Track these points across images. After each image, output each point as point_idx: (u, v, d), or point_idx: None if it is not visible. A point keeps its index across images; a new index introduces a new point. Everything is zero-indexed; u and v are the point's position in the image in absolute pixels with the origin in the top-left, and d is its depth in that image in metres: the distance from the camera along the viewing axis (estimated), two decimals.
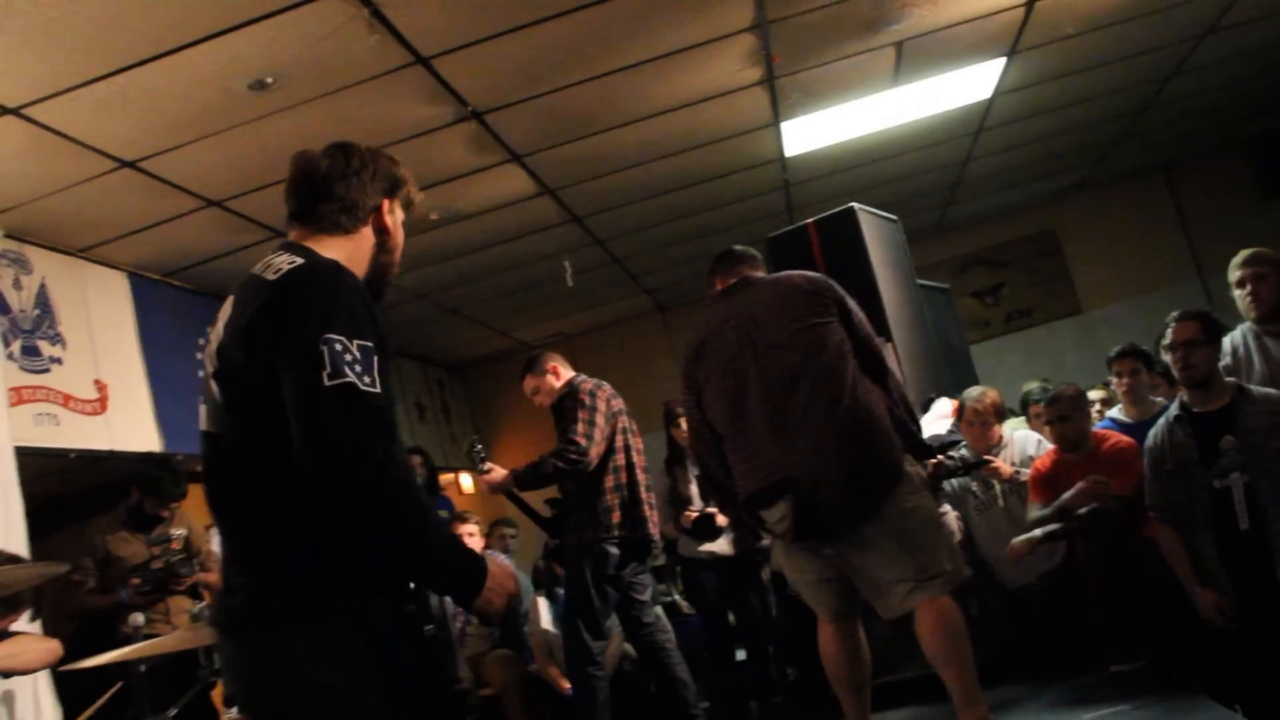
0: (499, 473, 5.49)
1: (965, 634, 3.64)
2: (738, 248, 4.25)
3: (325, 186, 2.33)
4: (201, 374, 2.27)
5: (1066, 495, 4.92)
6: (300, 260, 2.19)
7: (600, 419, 5.32)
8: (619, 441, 5.42)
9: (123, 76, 4.53)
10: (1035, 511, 5.06)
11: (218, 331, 2.21)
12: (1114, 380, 5.62)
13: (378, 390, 2.05)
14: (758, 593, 6.59)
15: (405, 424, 10.07)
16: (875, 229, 5.92)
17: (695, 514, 6.28)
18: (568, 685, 6.29)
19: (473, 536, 6.73)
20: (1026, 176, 9.72)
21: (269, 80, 4.82)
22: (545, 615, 6.53)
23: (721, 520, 6.31)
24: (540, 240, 8.03)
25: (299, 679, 2.02)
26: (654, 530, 5.50)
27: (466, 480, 11.30)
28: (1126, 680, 4.57)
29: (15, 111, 4.58)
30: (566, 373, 5.65)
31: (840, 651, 3.93)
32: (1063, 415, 5.08)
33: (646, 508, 5.43)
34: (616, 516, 5.32)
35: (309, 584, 2.05)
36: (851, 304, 3.94)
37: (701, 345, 4.02)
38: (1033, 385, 6.99)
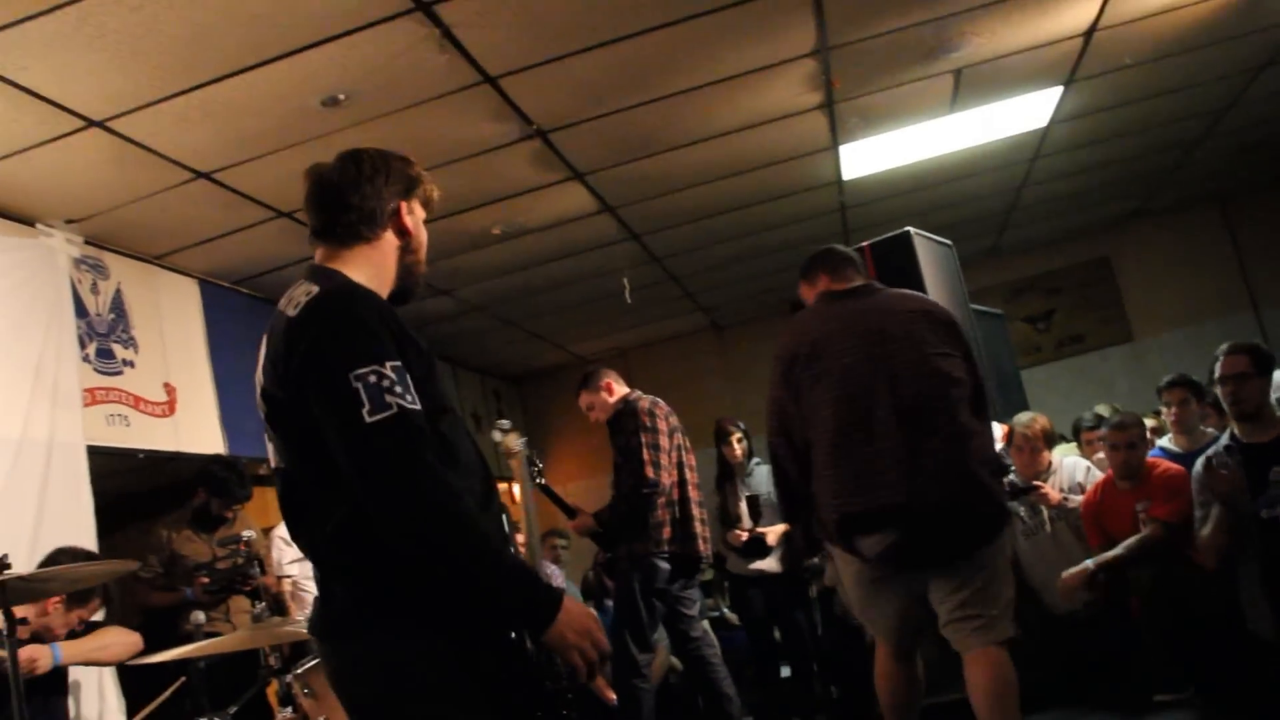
0: (585, 518, 5.64)
1: (1016, 689, 3.62)
2: (842, 248, 4.13)
3: (340, 198, 2.29)
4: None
5: (1120, 550, 4.95)
6: (316, 290, 2.16)
7: (663, 440, 5.41)
8: (673, 459, 5.50)
9: (202, 92, 4.69)
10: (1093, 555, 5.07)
11: (258, 375, 2.23)
12: (1164, 410, 5.64)
13: (418, 407, 2.03)
14: (804, 610, 6.64)
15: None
16: (930, 253, 5.96)
17: (745, 534, 6.35)
18: (613, 696, 6.38)
19: (524, 548, 6.84)
20: (1081, 204, 9.71)
21: (341, 97, 4.97)
22: None
23: (771, 539, 6.39)
24: (599, 257, 8.15)
25: (387, 678, 2.05)
26: (704, 547, 5.56)
27: (518, 491, 11.41)
28: (1171, 710, 4.58)
29: (101, 124, 4.75)
30: (621, 389, 5.74)
31: (898, 681, 3.92)
32: (1132, 442, 5.10)
33: (698, 524, 5.51)
34: (667, 532, 5.39)
35: (393, 591, 2.06)
36: (966, 338, 3.89)
37: (812, 345, 3.80)
38: (1101, 410, 6.99)
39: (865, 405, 3.65)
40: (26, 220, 5.41)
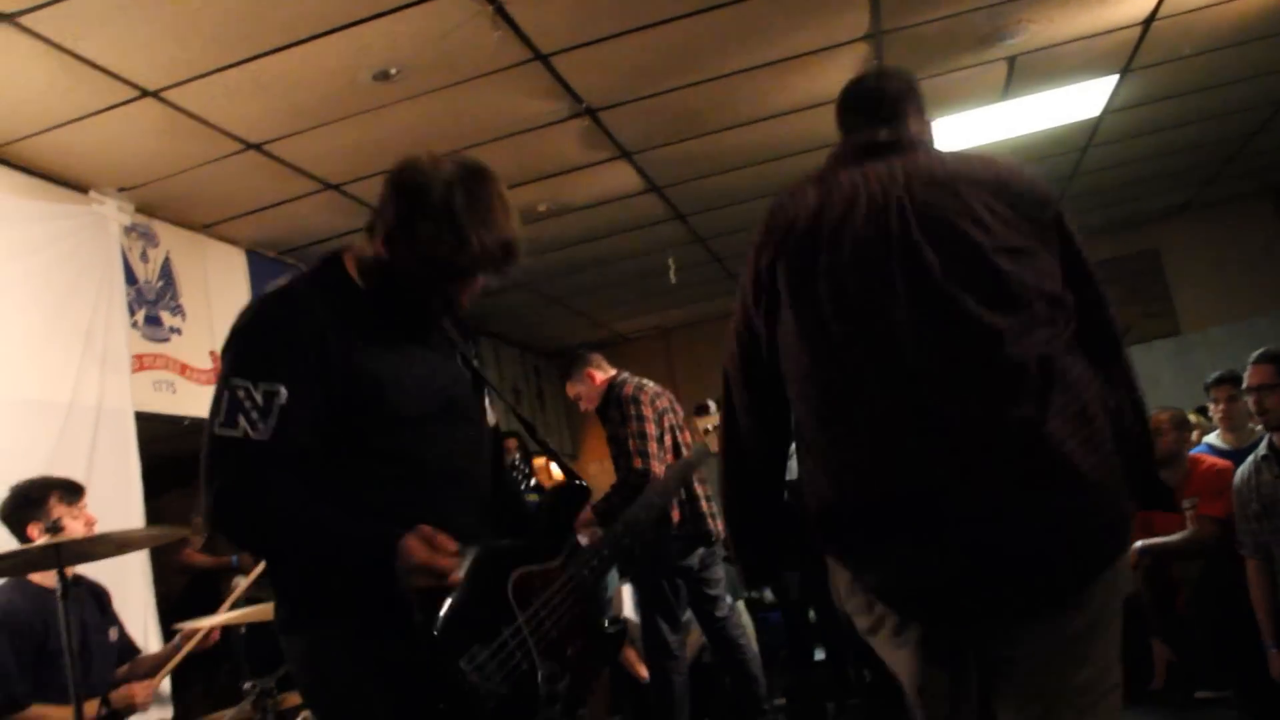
0: (585, 513, 5.53)
1: None
2: (884, 75, 2.65)
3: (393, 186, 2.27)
4: None
5: (1173, 539, 4.90)
6: (279, 285, 2.25)
7: (650, 428, 5.24)
8: (667, 441, 5.36)
9: (255, 64, 4.72)
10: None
11: None
12: (1211, 406, 5.59)
13: (263, 438, 2.02)
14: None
15: (503, 409, 10.23)
16: None
17: None
18: (645, 671, 6.41)
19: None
20: (1131, 195, 9.60)
21: (393, 71, 4.98)
22: (628, 603, 6.64)
23: None
24: (644, 236, 8.16)
25: (310, 673, 2.16)
26: (714, 524, 5.41)
27: (555, 466, 11.45)
28: (1211, 708, 4.56)
29: (155, 94, 4.79)
30: (604, 373, 5.59)
31: None
32: (1156, 430, 5.04)
33: (704, 503, 5.40)
34: (676, 515, 5.33)
35: (310, 590, 2.13)
36: (1074, 230, 2.28)
37: (800, 232, 2.25)
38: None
39: (877, 333, 2.12)
40: (80, 188, 5.47)
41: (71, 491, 3.79)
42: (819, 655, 6.84)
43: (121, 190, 5.62)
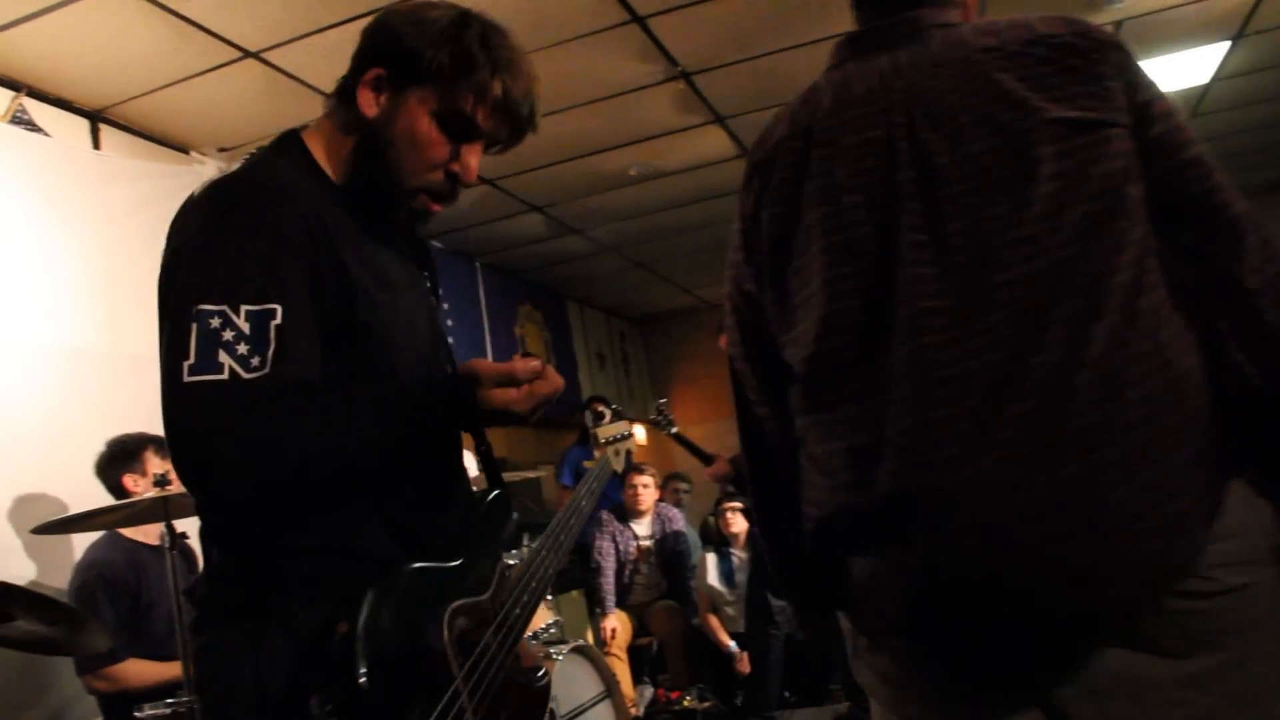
0: (721, 464, 5.57)
1: None
2: None
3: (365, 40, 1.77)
4: None
5: None
6: (230, 171, 1.69)
7: None
8: None
9: (355, 24, 4.67)
10: None
11: None
12: None
13: (265, 373, 1.47)
14: None
15: (586, 374, 10.31)
16: None
17: None
18: (729, 640, 6.44)
19: (648, 488, 6.89)
20: (1237, 167, 9.30)
21: None
22: (712, 571, 6.66)
23: None
24: (734, 203, 7.95)
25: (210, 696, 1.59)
26: None
27: (640, 431, 11.50)
28: None
29: (256, 55, 4.84)
30: None
31: None
32: None
33: None
34: None
35: (232, 578, 1.59)
36: (1154, 91, 1.52)
37: (794, 144, 1.70)
38: None
39: (886, 275, 1.53)
40: (182, 148, 5.56)
41: (165, 445, 3.85)
42: None
43: (221, 151, 5.69)
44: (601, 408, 3.13)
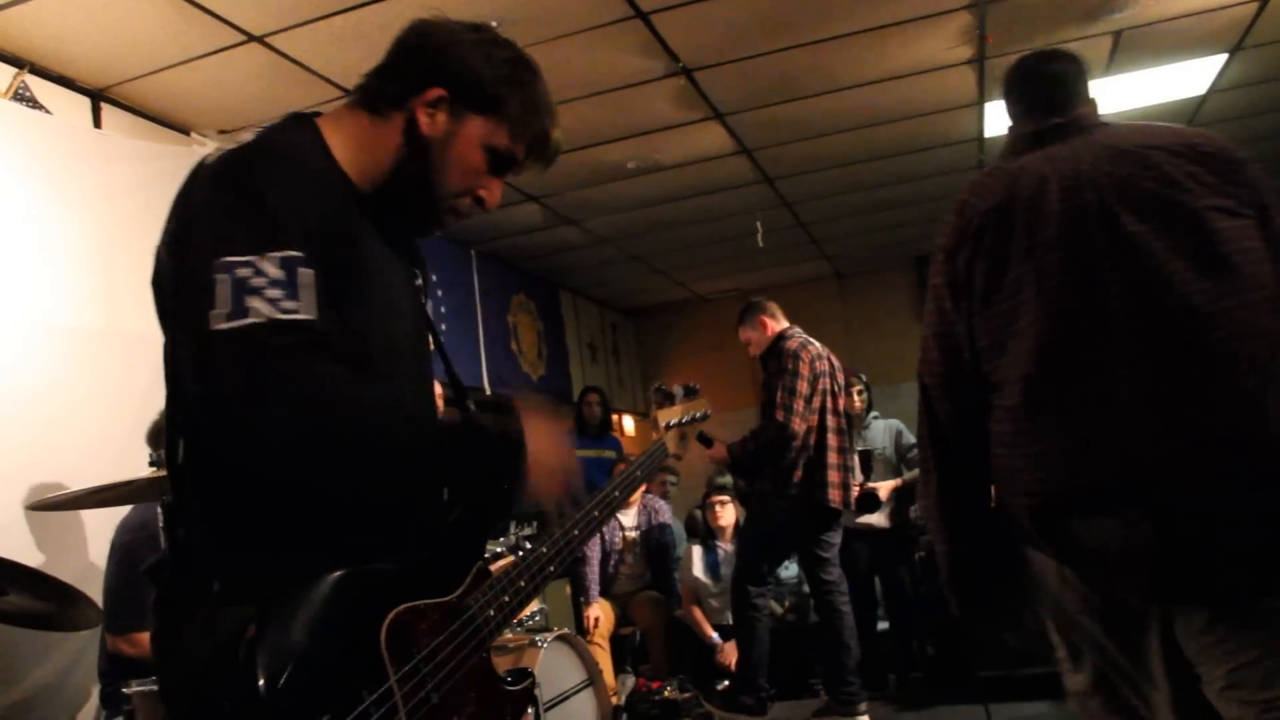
0: (720, 449, 5.60)
1: None
2: (1051, 55, 2.51)
3: (393, 50, 1.84)
4: None
5: None
6: (250, 138, 1.69)
7: (803, 385, 5.40)
8: (815, 402, 5.48)
9: (359, 12, 4.77)
10: None
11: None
12: None
13: (309, 316, 1.48)
14: (908, 567, 6.64)
15: (577, 364, 10.36)
16: None
17: (858, 488, 6.38)
18: (711, 632, 6.49)
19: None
20: None
21: (493, 24, 4.97)
22: (698, 563, 6.71)
23: (883, 494, 6.38)
24: (730, 198, 8.14)
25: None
26: (833, 495, 5.48)
27: (629, 423, 11.56)
28: None
29: (260, 39, 4.87)
30: (777, 324, 5.77)
31: None
32: None
33: (832, 472, 5.48)
34: (798, 476, 5.42)
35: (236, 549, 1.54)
36: (1266, 190, 2.17)
37: (995, 219, 2.20)
38: None
39: (1091, 312, 2.08)
40: (183, 129, 5.59)
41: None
42: (882, 626, 6.86)
43: (222, 133, 5.72)
44: (675, 387, 3.05)
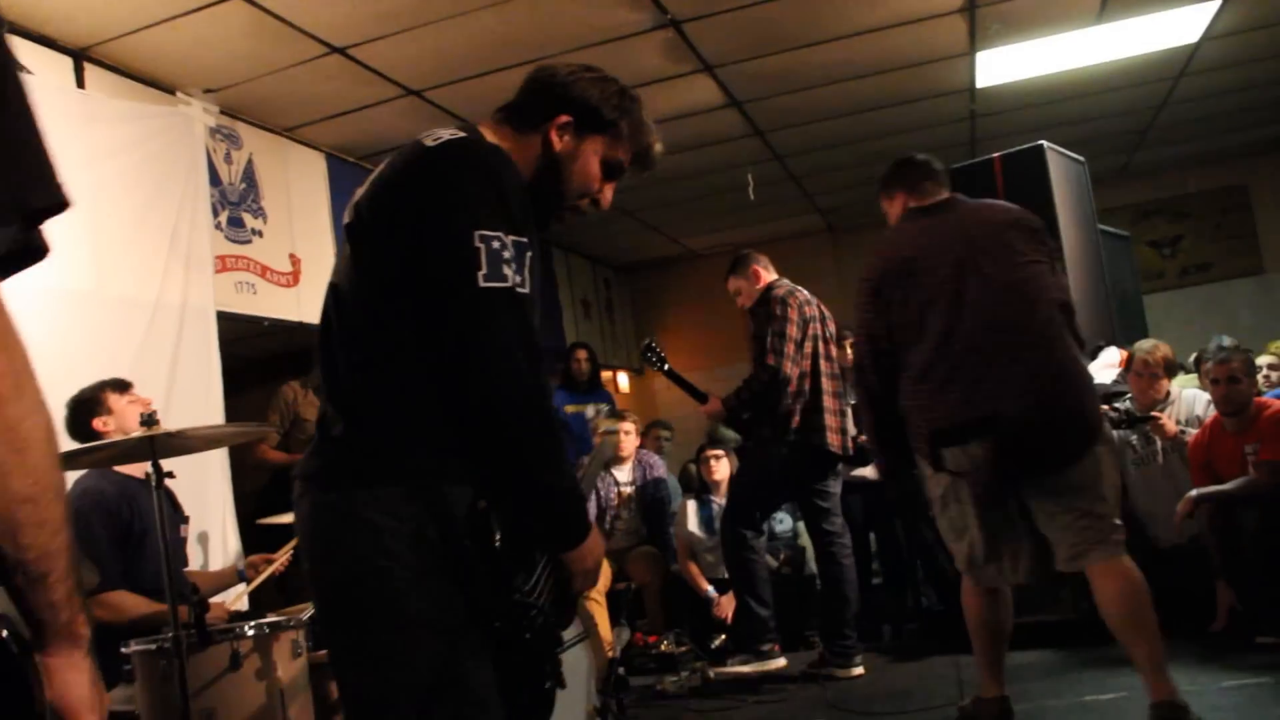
0: (715, 403, 5.64)
1: (1149, 599, 3.48)
2: (925, 159, 4.01)
3: (523, 90, 2.25)
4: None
5: (1228, 486, 4.88)
6: (463, 135, 2.06)
7: (793, 330, 5.42)
8: (807, 348, 5.51)
9: None
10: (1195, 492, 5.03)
11: (365, 184, 2.11)
12: None
13: (528, 292, 1.94)
14: (901, 519, 6.67)
15: (571, 320, 10.35)
16: (1062, 169, 5.83)
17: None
18: (707, 586, 6.52)
19: (629, 435, 6.94)
20: (1223, 127, 9.35)
21: None
22: (692, 518, 6.73)
23: None
24: (721, 152, 8.10)
25: (353, 539, 1.91)
26: (834, 439, 5.51)
27: (624, 379, 11.57)
28: (1271, 653, 4.54)
29: None
30: (767, 275, 5.78)
31: (986, 609, 3.81)
32: (1233, 376, 4.98)
33: (829, 416, 5.49)
34: (795, 422, 5.43)
35: (399, 448, 1.94)
36: (1056, 254, 3.80)
37: (908, 262, 3.73)
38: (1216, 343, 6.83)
39: (956, 321, 3.60)
40: (167, 89, 5.55)
41: (120, 385, 3.95)
42: (877, 580, 6.90)
43: (207, 92, 5.68)
44: (602, 405, 3.63)
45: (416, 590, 1.89)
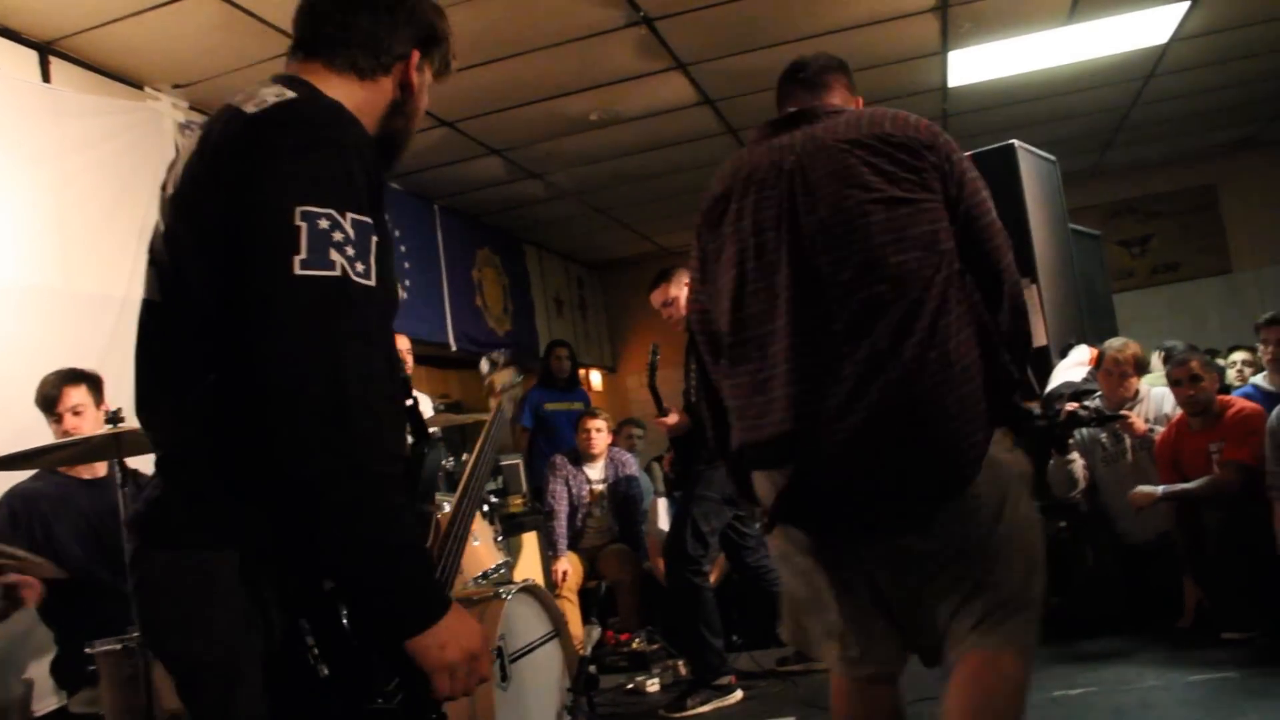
0: (675, 417, 5.41)
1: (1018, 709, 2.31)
2: (802, 59, 2.72)
3: (347, 13, 1.80)
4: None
5: (1192, 485, 4.92)
6: (292, 95, 1.66)
7: None
8: None
9: None
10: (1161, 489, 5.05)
11: (175, 174, 1.72)
12: (1261, 347, 5.54)
13: (372, 284, 1.53)
14: None
15: (543, 318, 10.33)
16: (1033, 168, 5.86)
17: None
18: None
19: (601, 432, 6.93)
20: (1192, 127, 9.43)
21: None
22: (663, 515, 6.73)
23: None
24: (693, 150, 8.10)
25: (184, 607, 1.60)
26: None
27: (596, 377, 11.56)
28: (1236, 648, 4.58)
29: None
30: None
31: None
32: (1194, 375, 5.02)
33: None
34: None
35: (226, 499, 1.55)
36: (970, 173, 2.36)
37: (720, 200, 2.50)
38: (1176, 344, 6.89)
39: (760, 289, 2.38)
40: (135, 84, 5.50)
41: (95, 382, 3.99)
42: None
43: (176, 87, 5.63)
44: (496, 355, 3.18)
45: (253, 692, 1.58)
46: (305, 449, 1.44)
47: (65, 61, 5.12)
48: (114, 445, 3.19)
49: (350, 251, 1.50)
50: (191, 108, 5.81)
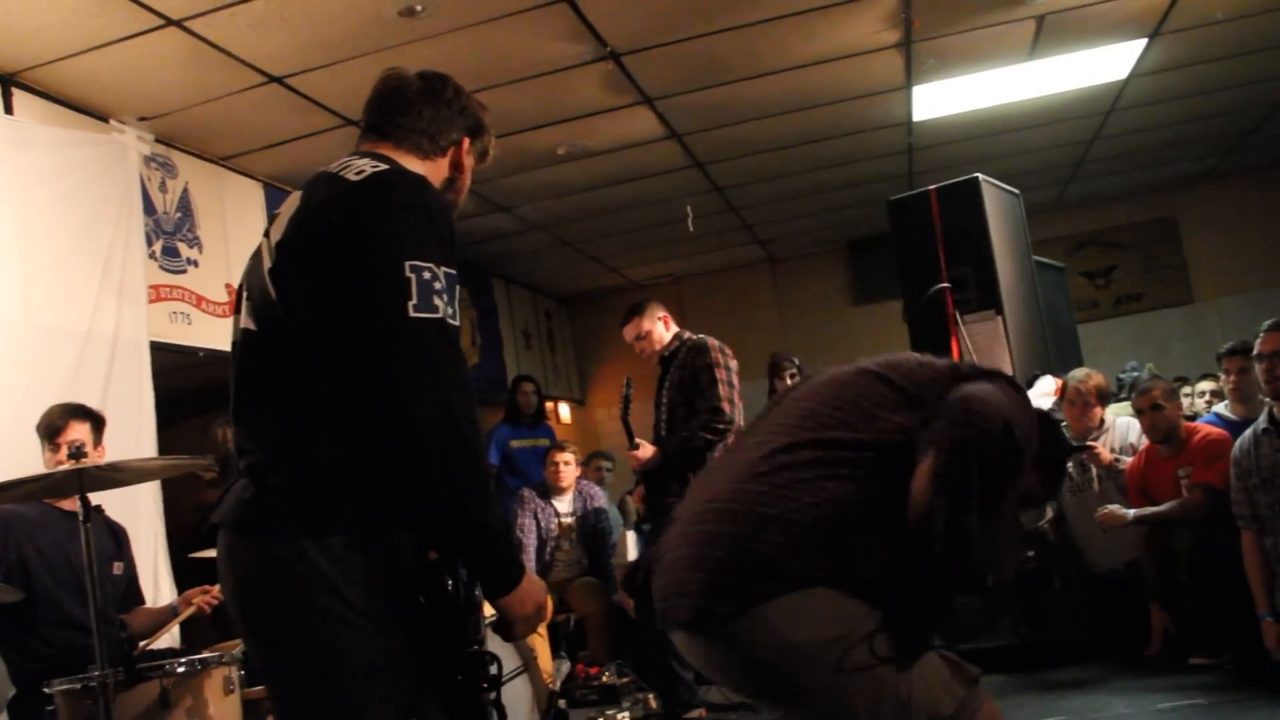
0: (648, 450, 5.34)
1: None
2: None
3: (414, 106, 2.18)
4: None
5: (1163, 508, 4.95)
6: (385, 166, 2.02)
7: (736, 380, 5.25)
8: (739, 401, 5.31)
9: None
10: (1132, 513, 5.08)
11: (280, 225, 2.03)
12: (1223, 377, 5.60)
13: (458, 324, 1.93)
14: None
15: (512, 351, 10.31)
16: (997, 201, 5.91)
17: None
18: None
19: (569, 465, 6.91)
20: (1152, 161, 9.55)
21: (418, 8, 4.94)
22: (633, 548, 6.70)
23: None
24: (661, 183, 8.13)
25: (302, 590, 1.86)
26: None
27: (565, 410, 11.53)
28: (1205, 673, 4.60)
29: (179, 23, 4.76)
30: (674, 325, 5.53)
31: None
32: (1155, 404, 5.08)
33: None
34: None
35: (342, 495, 1.88)
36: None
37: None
38: (1142, 373, 6.95)
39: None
40: (100, 116, 5.47)
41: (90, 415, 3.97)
42: None
43: (142, 120, 5.61)
44: None
45: (371, 642, 1.87)
46: (436, 473, 1.84)
47: (28, 93, 5.08)
48: (76, 481, 3.15)
49: (445, 298, 1.89)
50: (157, 140, 5.79)
